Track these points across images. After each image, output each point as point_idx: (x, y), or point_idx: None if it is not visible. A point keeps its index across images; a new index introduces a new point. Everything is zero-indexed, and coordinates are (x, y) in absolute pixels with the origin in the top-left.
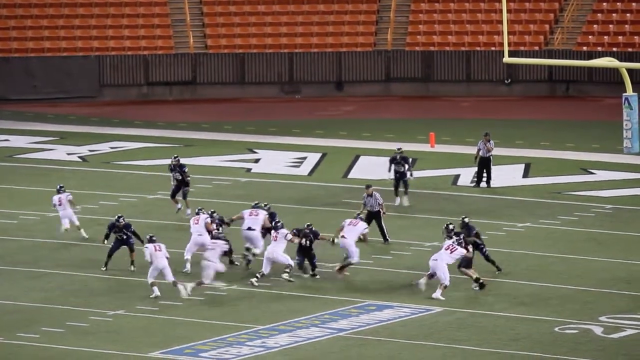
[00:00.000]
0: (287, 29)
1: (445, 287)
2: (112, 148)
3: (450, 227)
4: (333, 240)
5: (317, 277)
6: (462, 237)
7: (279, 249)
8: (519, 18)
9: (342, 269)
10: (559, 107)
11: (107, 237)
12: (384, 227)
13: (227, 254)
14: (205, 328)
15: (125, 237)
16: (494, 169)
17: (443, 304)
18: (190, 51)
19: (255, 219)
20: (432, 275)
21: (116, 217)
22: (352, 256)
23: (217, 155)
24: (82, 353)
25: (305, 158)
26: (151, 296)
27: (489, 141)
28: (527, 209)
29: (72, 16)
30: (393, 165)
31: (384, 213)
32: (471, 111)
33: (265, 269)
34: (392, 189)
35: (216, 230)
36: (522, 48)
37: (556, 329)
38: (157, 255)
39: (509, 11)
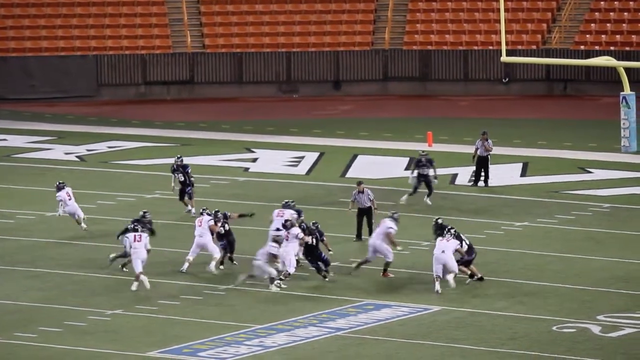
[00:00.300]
0: (284, 28)
1: (456, 274)
2: (109, 147)
3: (439, 221)
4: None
5: (327, 279)
6: (455, 230)
7: (290, 250)
8: (516, 17)
9: (384, 271)
10: (557, 106)
11: (124, 232)
12: (373, 224)
13: (230, 251)
14: (203, 327)
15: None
16: (492, 168)
17: (441, 303)
18: (188, 50)
19: (282, 220)
20: (438, 277)
21: (142, 212)
22: (386, 256)
23: (214, 155)
24: (80, 353)
25: (303, 157)
26: (132, 288)
27: (486, 140)
28: (525, 208)
29: (69, 15)
30: (417, 169)
31: (375, 209)
32: (469, 110)
33: (284, 268)
34: (392, 187)
35: (280, 232)
36: (519, 47)
37: (554, 327)
38: (136, 246)
39: (506, 10)
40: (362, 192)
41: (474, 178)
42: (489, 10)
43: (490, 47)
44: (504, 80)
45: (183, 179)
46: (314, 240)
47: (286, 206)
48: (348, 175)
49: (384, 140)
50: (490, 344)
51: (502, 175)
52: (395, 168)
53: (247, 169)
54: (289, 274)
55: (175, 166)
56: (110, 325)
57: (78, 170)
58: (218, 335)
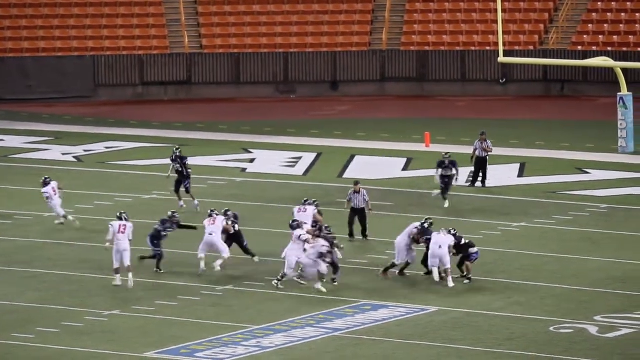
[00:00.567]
0: (282, 29)
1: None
2: (107, 148)
3: (430, 222)
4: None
5: (336, 283)
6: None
7: (293, 252)
8: (513, 18)
9: (401, 272)
10: (554, 107)
11: (155, 236)
12: (367, 225)
13: (247, 251)
14: (200, 328)
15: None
16: (489, 169)
17: (438, 303)
18: (186, 51)
19: (304, 216)
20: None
21: (170, 212)
22: (408, 259)
23: (212, 155)
24: (77, 353)
25: (300, 158)
26: (115, 284)
27: (485, 140)
28: (522, 208)
29: (67, 16)
30: (440, 170)
31: (370, 210)
32: (466, 111)
33: (286, 269)
34: (390, 187)
35: (325, 231)
36: (517, 47)
37: (551, 328)
38: (119, 237)
39: (503, 11)
40: (358, 192)
41: (471, 178)
42: (487, 10)
43: (488, 48)
44: (501, 80)
45: (180, 169)
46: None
47: (307, 203)
48: (345, 175)
49: (381, 140)
50: (487, 344)
51: (500, 175)
52: (393, 169)
53: (244, 170)
54: (286, 274)
55: (173, 156)
56: (107, 326)
57: (75, 171)
58: (215, 336)
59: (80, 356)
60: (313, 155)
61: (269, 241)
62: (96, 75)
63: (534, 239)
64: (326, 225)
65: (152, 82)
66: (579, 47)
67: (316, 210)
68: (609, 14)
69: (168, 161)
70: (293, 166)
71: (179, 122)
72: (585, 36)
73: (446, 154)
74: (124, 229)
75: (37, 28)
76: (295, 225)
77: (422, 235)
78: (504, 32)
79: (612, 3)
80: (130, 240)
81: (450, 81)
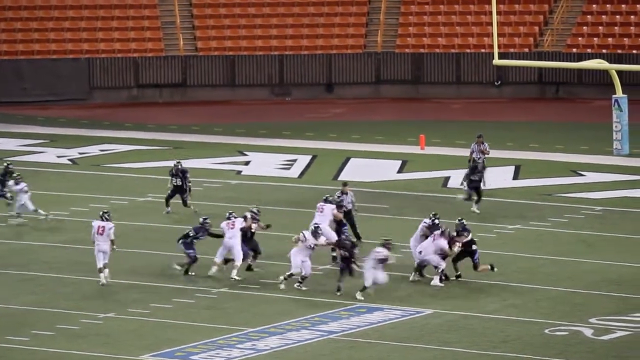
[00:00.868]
0: (277, 31)
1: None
2: (102, 151)
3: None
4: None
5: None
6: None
7: (299, 254)
8: (508, 20)
9: (420, 274)
10: (549, 109)
11: (186, 238)
12: (357, 227)
13: (254, 256)
14: (195, 331)
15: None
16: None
17: (433, 306)
18: (180, 53)
19: (322, 216)
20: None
21: (202, 219)
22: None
23: (207, 158)
24: (72, 356)
25: (295, 160)
26: (100, 284)
27: (482, 143)
28: (517, 210)
29: (61, 18)
30: (472, 175)
31: (355, 210)
32: (461, 113)
33: (294, 269)
34: (384, 190)
35: (343, 236)
36: (511, 50)
37: (546, 330)
38: (99, 238)
39: (498, 13)
40: (346, 193)
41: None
42: (482, 13)
43: (483, 50)
44: (496, 83)
45: (180, 184)
46: (346, 253)
47: (327, 201)
48: (340, 178)
49: (376, 143)
50: (482, 347)
51: (495, 178)
52: (388, 171)
53: (239, 172)
54: (292, 275)
55: (174, 170)
56: (102, 329)
57: (70, 174)
58: (210, 339)
59: (75, 359)
60: (308, 158)
61: (265, 244)
62: (91, 77)
63: (529, 242)
64: (345, 233)
65: (147, 85)
66: (574, 50)
67: (335, 209)
68: (603, 17)
69: (164, 164)
70: (288, 168)
71: (174, 125)
72: (580, 38)
73: (478, 158)
74: (103, 230)
75: (32, 30)
76: (315, 232)
77: (432, 231)
78: (498, 35)
79: (607, 5)
80: (112, 240)
81: (445, 83)
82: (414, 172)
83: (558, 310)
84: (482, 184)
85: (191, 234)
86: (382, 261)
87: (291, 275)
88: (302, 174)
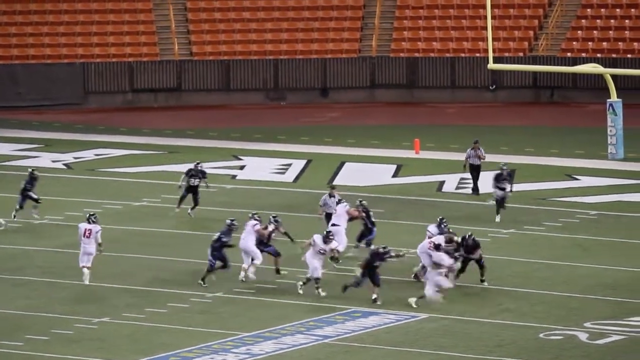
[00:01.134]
0: (272, 36)
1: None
2: (97, 155)
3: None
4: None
5: (378, 302)
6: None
7: (315, 258)
8: (503, 24)
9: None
10: (544, 113)
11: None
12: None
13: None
14: (190, 335)
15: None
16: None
17: (428, 310)
18: (175, 58)
19: (338, 217)
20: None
21: (230, 220)
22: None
23: (202, 162)
24: None
25: (290, 165)
26: (84, 282)
27: (478, 148)
28: (512, 215)
29: (56, 23)
30: (498, 183)
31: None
32: (456, 117)
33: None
34: (379, 194)
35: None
36: (506, 54)
37: (541, 335)
38: (85, 241)
39: (493, 18)
40: (334, 196)
41: (472, 187)
42: (476, 17)
43: (477, 55)
44: (491, 87)
45: (197, 184)
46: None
47: (340, 202)
48: (335, 182)
49: (371, 147)
50: (478, 351)
51: (489, 182)
52: (383, 175)
53: (234, 177)
54: (309, 279)
55: (193, 171)
56: (97, 333)
57: (65, 178)
58: (205, 343)
59: None
60: (303, 162)
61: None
62: (86, 82)
63: (524, 246)
64: (383, 246)
65: (142, 89)
66: (569, 54)
67: (347, 207)
68: (598, 21)
69: (157, 168)
70: (283, 173)
71: (169, 129)
72: (574, 43)
73: (504, 165)
74: (89, 233)
75: (27, 35)
76: (327, 237)
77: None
78: (493, 39)
79: (602, 10)
80: (99, 244)
81: (439, 88)
82: (408, 176)
83: (553, 315)
84: (508, 192)
85: (225, 239)
86: (445, 267)
87: (309, 279)
88: (297, 178)
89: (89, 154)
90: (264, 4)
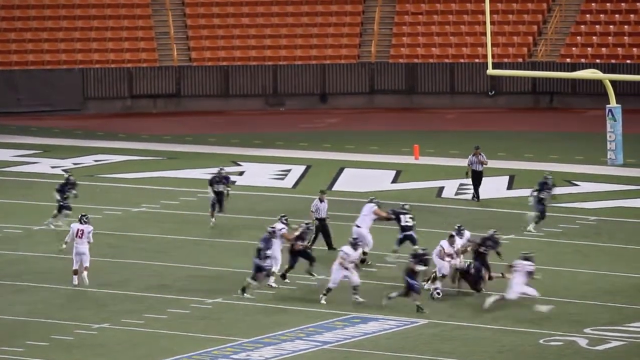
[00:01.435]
0: (271, 42)
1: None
2: (96, 161)
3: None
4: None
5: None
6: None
7: (340, 270)
8: (502, 30)
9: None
10: (543, 119)
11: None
12: (330, 236)
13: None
14: (190, 341)
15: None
16: None
17: (428, 316)
18: (174, 64)
19: (362, 218)
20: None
21: (270, 227)
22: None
23: (201, 168)
24: None
25: (289, 170)
26: (74, 283)
27: (480, 154)
28: (511, 221)
29: (55, 29)
30: (542, 191)
31: (327, 219)
32: (455, 123)
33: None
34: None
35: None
36: (505, 60)
37: (541, 341)
38: (78, 241)
39: (492, 23)
40: (323, 201)
41: (474, 193)
42: (475, 23)
43: (477, 60)
44: (490, 93)
45: (222, 189)
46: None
47: (371, 202)
48: (334, 188)
49: (370, 153)
50: (477, 357)
51: (489, 188)
52: (382, 181)
53: (233, 182)
54: (330, 289)
55: (217, 178)
56: (96, 339)
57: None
58: (205, 349)
59: None
60: (302, 168)
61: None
62: (85, 88)
63: (524, 252)
64: (423, 248)
65: (141, 95)
66: (568, 60)
67: (375, 207)
68: (597, 26)
69: (156, 174)
70: (282, 179)
71: (167, 135)
72: (573, 48)
73: (549, 174)
74: (82, 234)
75: (26, 41)
76: (355, 244)
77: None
78: (492, 45)
79: (601, 15)
80: (90, 243)
81: (439, 93)
82: (408, 182)
83: (553, 321)
84: (547, 202)
85: (262, 247)
86: (530, 274)
87: (329, 290)
88: (296, 184)
89: (88, 160)
90: (262, 10)
